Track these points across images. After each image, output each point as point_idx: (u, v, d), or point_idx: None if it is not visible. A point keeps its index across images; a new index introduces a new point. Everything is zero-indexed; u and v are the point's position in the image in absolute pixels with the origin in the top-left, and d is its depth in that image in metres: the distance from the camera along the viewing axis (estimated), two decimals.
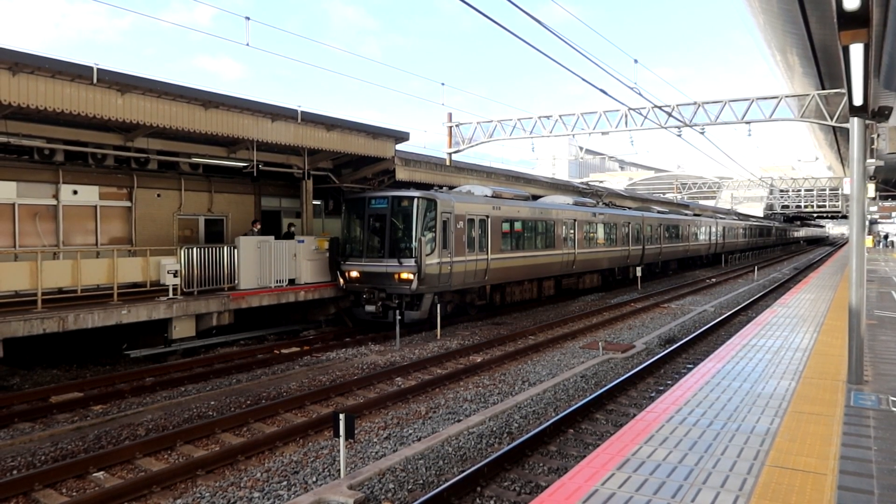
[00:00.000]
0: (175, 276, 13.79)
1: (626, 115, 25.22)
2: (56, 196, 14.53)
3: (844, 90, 7.01)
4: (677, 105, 24.37)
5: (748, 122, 23.44)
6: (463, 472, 7.03)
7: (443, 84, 24.82)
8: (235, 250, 15.16)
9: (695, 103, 24.15)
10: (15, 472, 7.47)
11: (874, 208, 38.46)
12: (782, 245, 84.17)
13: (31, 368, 12.53)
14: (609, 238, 27.03)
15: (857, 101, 7.02)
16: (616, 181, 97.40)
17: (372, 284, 16.23)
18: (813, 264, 46.10)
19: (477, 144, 27.98)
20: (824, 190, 65.59)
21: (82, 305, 12.46)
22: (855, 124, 7.58)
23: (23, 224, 14.01)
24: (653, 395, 10.59)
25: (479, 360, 13.12)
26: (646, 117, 24.65)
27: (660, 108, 23.54)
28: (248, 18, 14.33)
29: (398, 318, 15.32)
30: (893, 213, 46.89)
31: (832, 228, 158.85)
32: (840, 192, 60.24)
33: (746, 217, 67.15)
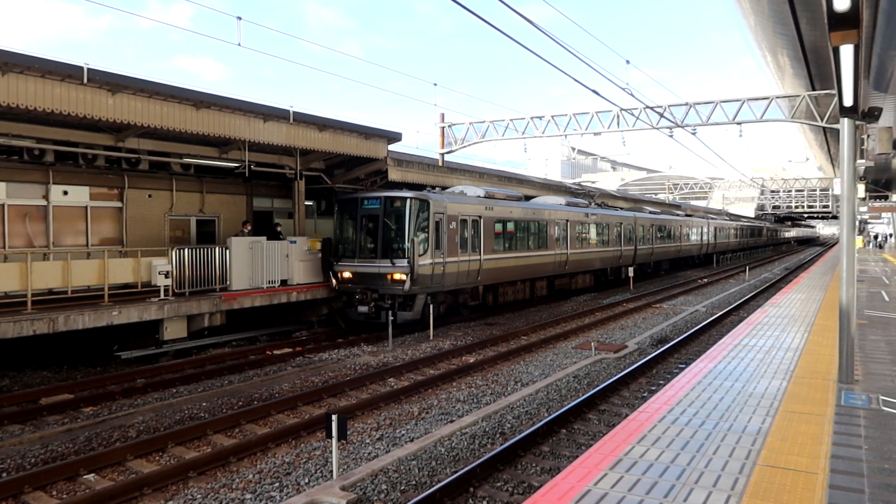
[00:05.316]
0: (166, 276, 13.73)
1: (618, 116, 25.25)
2: (46, 196, 14.44)
3: (835, 91, 7.04)
4: (669, 106, 24.42)
5: (739, 123, 23.49)
6: (455, 472, 7.02)
7: (435, 84, 24.74)
8: (227, 251, 15.11)
9: (686, 104, 24.22)
10: (4, 474, 7.41)
11: (864, 209, 38.66)
12: (773, 245, 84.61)
13: (20, 370, 12.44)
14: (601, 238, 27.10)
15: (848, 101, 7.05)
16: (608, 181, 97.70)
17: (365, 285, 16.20)
18: (804, 264, 46.36)
19: (470, 145, 27.95)
20: (815, 190, 65.86)
21: (73, 306, 12.38)
22: (845, 125, 7.62)
23: (12, 225, 13.91)
24: (645, 395, 10.62)
25: (471, 361, 13.12)
26: (637, 118, 24.69)
27: (651, 108, 23.60)
28: (239, 18, 14.26)
29: (391, 318, 15.29)
30: (883, 214, 47.19)
31: (823, 229, 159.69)
32: (830, 192, 60.52)
33: (738, 217, 67.49)
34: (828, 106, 21.02)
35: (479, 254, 18.11)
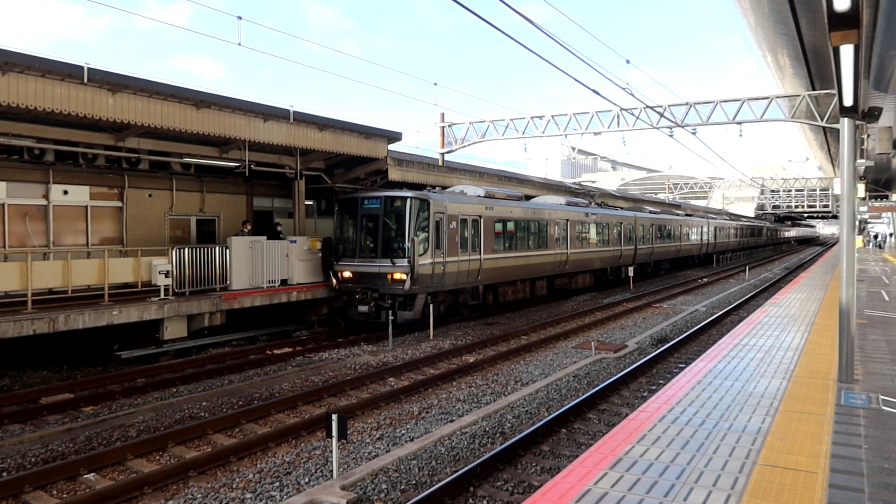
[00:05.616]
0: (166, 276, 13.74)
1: (618, 116, 25.26)
2: (46, 196, 14.44)
3: (835, 91, 7.05)
4: (669, 105, 24.43)
5: (739, 123, 23.52)
6: (456, 472, 7.03)
7: (435, 84, 24.76)
8: (227, 251, 15.12)
9: (686, 104, 24.22)
10: (5, 473, 7.41)
11: (864, 208, 38.67)
12: (773, 245, 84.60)
13: (21, 370, 12.44)
14: (601, 238, 27.11)
15: (848, 101, 7.05)
16: (608, 181, 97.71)
17: (365, 285, 16.20)
18: (803, 264, 46.36)
19: (470, 145, 27.96)
20: (815, 190, 65.95)
21: (73, 306, 12.38)
22: (845, 125, 7.62)
23: (12, 224, 13.91)
24: (645, 394, 10.62)
25: (471, 361, 13.12)
26: (638, 118, 24.70)
27: (652, 108, 23.61)
28: (239, 18, 14.26)
29: (391, 318, 15.29)
30: (883, 214, 47.22)
31: (823, 228, 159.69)
32: (830, 192, 60.58)
33: (738, 217, 67.49)
34: (828, 106, 21.02)
35: (480, 253, 18.11)
